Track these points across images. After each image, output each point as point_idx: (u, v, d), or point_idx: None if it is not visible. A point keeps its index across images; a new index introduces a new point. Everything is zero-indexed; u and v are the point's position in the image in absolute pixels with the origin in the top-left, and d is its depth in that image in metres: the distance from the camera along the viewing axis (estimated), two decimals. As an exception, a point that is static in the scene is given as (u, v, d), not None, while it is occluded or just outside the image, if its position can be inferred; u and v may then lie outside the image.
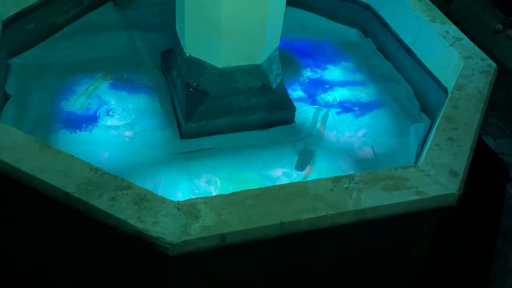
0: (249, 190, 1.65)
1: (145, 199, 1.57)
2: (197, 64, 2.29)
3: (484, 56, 2.36)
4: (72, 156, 1.68)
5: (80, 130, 2.29)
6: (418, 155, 2.25)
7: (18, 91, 2.40)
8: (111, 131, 2.31)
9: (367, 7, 3.00)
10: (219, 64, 2.24)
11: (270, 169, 2.21)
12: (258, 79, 2.33)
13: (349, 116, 2.49)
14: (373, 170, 1.76)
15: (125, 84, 2.56)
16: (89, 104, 2.43)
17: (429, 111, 2.51)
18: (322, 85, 2.65)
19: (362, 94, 2.61)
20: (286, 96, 2.45)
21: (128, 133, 2.32)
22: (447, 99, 2.10)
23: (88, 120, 2.35)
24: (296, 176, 2.18)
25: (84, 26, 2.86)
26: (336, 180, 1.69)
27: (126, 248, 1.58)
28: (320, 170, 2.21)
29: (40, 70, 2.55)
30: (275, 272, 1.68)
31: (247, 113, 2.35)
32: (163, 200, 1.58)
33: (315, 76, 2.70)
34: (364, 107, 2.53)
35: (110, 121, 2.36)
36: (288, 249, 1.62)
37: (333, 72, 2.74)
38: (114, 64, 2.65)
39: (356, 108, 2.52)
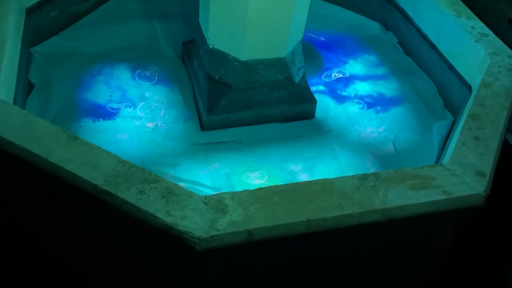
0: (276, 186, 1.65)
1: (172, 193, 1.57)
2: (220, 56, 2.28)
3: (511, 53, 2.33)
4: (99, 147, 1.69)
5: (104, 119, 2.29)
6: (440, 152, 2.24)
7: (41, 80, 2.41)
8: (133, 121, 2.32)
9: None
10: (243, 57, 2.23)
11: (290, 163, 2.21)
12: (281, 72, 2.32)
13: (370, 111, 2.47)
14: (399, 169, 1.75)
15: (146, 74, 2.56)
16: (111, 95, 2.44)
17: (451, 108, 2.49)
18: (343, 79, 2.63)
19: (384, 89, 2.59)
20: (308, 90, 2.43)
21: (150, 124, 2.32)
22: (473, 97, 2.08)
23: (110, 110, 2.35)
24: (317, 171, 2.18)
25: (105, 15, 2.85)
26: (363, 178, 1.69)
27: (153, 241, 1.59)
28: (341, 165, 2.21)
29: (62, 59, 2.55)
30: (298, 268, 1.68)
31: (268, 106, 2.35)
32: (190, 195, 1.58)
33: (336, 70, 2.68)
34: (386, 102, 2.52)
35: (133, 112, 2.36)
36: (313, 246, 1.63)
37: (355, 66, 2.72)
38: (135, 54, 2.65)
39: (378, 103, 2.51)
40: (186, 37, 2.67)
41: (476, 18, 2.54)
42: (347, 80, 2.62)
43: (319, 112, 2.43)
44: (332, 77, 2.63)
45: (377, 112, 2.47)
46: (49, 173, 1.61)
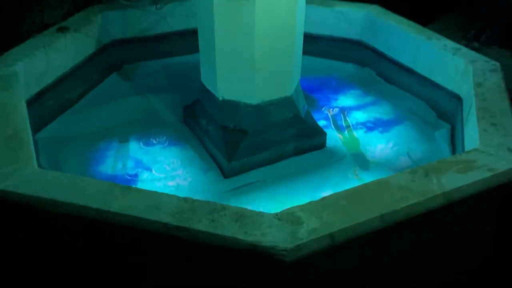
0: (337, 193, 1.69)
1: (244, 216, 1.57)
2: (231, 106, 2.36)
3: (487, 58, 2.57)
4: (156, 191, 1.68)
5: (128, 187, 2.26)
6: (453, 154, 2.38)
7: (51, 163, 2.37)
8: (155, 183, 2.30)
9: (359, 42, 3.22)
10: (254, 101, 2.33)
11: (320, 191, 2.23)
12: (290, 111, 2.42)
13: (375, 132, 2.61)
14: (440, 159, 1.85)
15: (154, 141, 2.58)
16: (124, 164, 2.43)
17: (446, 119, 2.67)
18: (339, 112, 2.78)
19: (379, 114, 2.75)
20: (315, 123, 2.55)
21: (172, 183, 2.31)
22: (473, 96, 2.25)
23: (129, 178, 2.33)
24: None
25: (97, 97, 2.90)
26: (412, 172, 1.77)
27: (236, 265, 1.55)
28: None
29: (67, 141, 2.53)
30: (378, 264, 1.69)
31: (282, 144, 2.42)
32: (261, 214, 1.59)
33: (331, 105, 2.83)
34: (386, 124, 2.67)
35: (151, 175, 2.35)
36: (388, 241, 1.65)
37: (346, 101, 2.88)
38: (137, 125, 2.67)
39: (379, 126, 2.66)
40: (180, 103, 2.76)
41: (445, 38, 2.80)
42: (344, 112, 2.77)
43: (328, 142, 2.53)
44: (330, 112, 2.77)
45: (381, 132, 2.60)
46: (113, 224, 1.57)
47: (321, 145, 2.51)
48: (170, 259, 1.61)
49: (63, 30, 2.79)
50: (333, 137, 2.57)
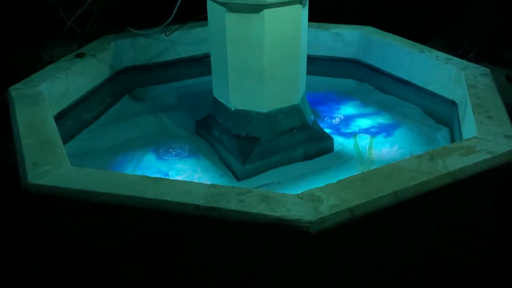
0: (351, 176, 1.84)
1: (269, 196, 1.71)
2: (243, 115, 2.53)
3: (477, 65, 2.78)
4: (186, 180, 1.81)
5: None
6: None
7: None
8: (174, 189, 2.43)
9: (355, 61, 3.43)
10: (265, 109, 2.50)
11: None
12: (298, 119, 2.59)
13: (379, 137, 2.77)
14: (443, 146, 2.01)
15: (169, 152, 2.72)
16: (143, 173, 2.55)
17: (444, 123, 2.85)
18: (343, 121, 2.96)
19: (381, 120, 2.93)
20: (322, 130, 2.71)
21: (190, 188, 2.44)
22: (468, 95, 2.43)
23: (149, 185, 2.46)
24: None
25: (112, 117, 3.06)
26: (419, 157, 1.93)
27: (264, 240, 1.68)
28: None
29: (85, 157, 2.66)
30: (392, 240, 1.82)
31: (292, 149, 2.58)
32: (284, 195, 1.73)
33: (334, 116, 3.01)
34: (388, 129, 2.84)
35: (169, 182, 2.48)
36: (401, 217, 1.79)
37: (347, 110, 3.07)
38: (152, 139, 2.82)
39: (382, 131, 2.83)
40: (191, 120, 2.94)
41: (436, 50, 3.02)
42: (347, 120, 2.96)
43: (335, 146, 2.69)
44: (334, 121, 2.95)
45: (384, 137, 2.77)
46: (149, 210, 1.69)
47: (329, 149, 2.66)
48: (203, 239, 1.73)
49: (81, 55, 2.99)
50: (339, 142, 2.73)
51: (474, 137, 2.05)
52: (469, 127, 2.26)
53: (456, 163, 1.87)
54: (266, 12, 2.29)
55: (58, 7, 3.05)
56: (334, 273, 1.77)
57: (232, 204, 1.66)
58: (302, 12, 2.42)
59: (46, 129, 2.18)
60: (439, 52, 2.98)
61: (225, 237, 1.71)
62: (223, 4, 2.34)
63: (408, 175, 1.81)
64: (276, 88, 2.48)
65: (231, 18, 2.35)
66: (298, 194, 1.73)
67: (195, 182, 1.81)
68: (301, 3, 2.39)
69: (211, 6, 2.50)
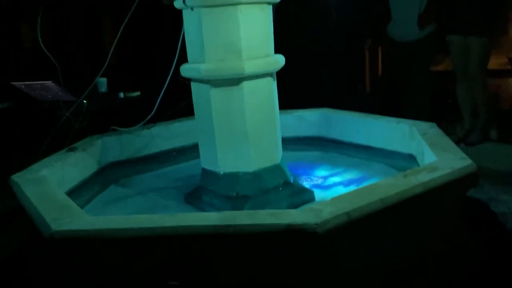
0: (341, 194, 2.13)
1: (275, 212, 1.97)
2: (232, 177, 2.81)
3: (422, 122, 3.24)
4: (198, 212, 2.03)
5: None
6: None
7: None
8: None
9: (319, 138, 3.85)
10: (251, 169, 2.79)
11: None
12: (281, 177, 2.90)
13: (352, 186, 3.09)
14: (412, 168, 2.36)
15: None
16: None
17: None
18: (317, 180, 3.29)
19: (351, 176, 3.27)
20: (302, 185, 3.02)
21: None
22: (423, 140, 2.84)
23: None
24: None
25: (100, 202, 3.22)
26: (395, 176, 2.27)
27: (277, 246, 1.89)
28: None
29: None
30: (382, 238, 2.08)
31: (279, 203, 2.84)
32: (288, 210, 2.02)
33: (308, 178, 3.33)
34: (360, 180, 3.17)
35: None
36: (387, 219, 2.06)
37: (320, 172, 3.41)
38: (143, 212, 2.98)
39: (354, 182, 3.16)
40: (177, 195, 3.17)
41: (384, 116, 3.49)
42: (322, 178, 3.30)
43: (316, 197, 2.96)
44: (310, 181, 3.27)
45: (357, 185, 3.07)
46: (170, 236, 1.89)
47: (311, 199, 2.94)
48: (223, 254, 1.91)
49: (73, 149, 3.24)
50: (318, 194, 3.02)
51: (436, 161, 2.41)
52: (429, 159, 2.63)
53: (426, 176, 2.21)
54: (245, 83, 2.71)
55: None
56: (339, 267, 1.99)
57: (247, 219, 1.90)
58: (273, 84, 2.85)
59: (60, 198, 2.36)
60: (389, 117, 3.45)
61: (243, 248, 1.91)
62: (207, 82, 2.74)
63: (389, 188, 2.11)
64: (260, 148, 2.81)
65: (215, 93, 2.74)
66: (298, 209, 1.99)
67: (206, 212, 2.02)
68: (272, 76, 2.83)
69: (195, 87, 2.88)
